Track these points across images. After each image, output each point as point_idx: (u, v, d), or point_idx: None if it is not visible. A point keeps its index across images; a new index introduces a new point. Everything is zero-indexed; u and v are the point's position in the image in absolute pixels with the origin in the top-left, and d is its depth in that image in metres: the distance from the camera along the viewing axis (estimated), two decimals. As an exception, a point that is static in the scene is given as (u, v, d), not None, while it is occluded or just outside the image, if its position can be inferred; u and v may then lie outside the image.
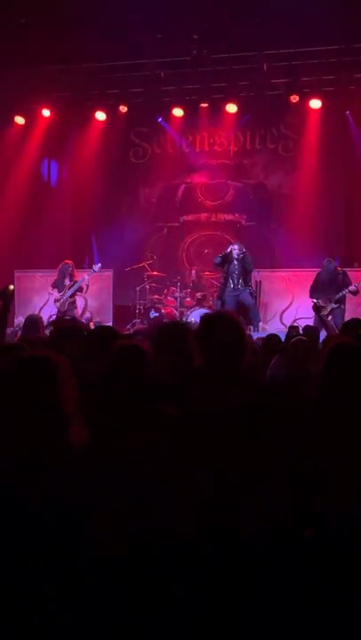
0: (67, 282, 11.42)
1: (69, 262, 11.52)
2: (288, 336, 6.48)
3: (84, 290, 11.63)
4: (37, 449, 2.54)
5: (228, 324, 2.92)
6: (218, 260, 10.90)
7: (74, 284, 11.38)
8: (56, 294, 11.49)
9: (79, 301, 11.86)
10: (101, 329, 5.15)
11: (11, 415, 2.60)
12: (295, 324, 9.09)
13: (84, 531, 2.54)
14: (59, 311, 11.32)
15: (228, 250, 10.87)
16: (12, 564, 2.49)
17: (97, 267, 11.67)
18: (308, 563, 2.76)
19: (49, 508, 2.48)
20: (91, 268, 11.81)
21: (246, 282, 10.81)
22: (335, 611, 2.73)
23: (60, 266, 11.53)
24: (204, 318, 3.07)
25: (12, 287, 4.61)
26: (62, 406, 2.60)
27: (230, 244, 11.26)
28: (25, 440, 2.56)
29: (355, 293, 10.28)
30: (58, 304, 11.40)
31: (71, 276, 11.45)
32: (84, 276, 11.45)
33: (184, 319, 10.94)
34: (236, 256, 10.68)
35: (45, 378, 2.63)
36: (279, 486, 2.68)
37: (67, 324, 5.55)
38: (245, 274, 10.79)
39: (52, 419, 2.58)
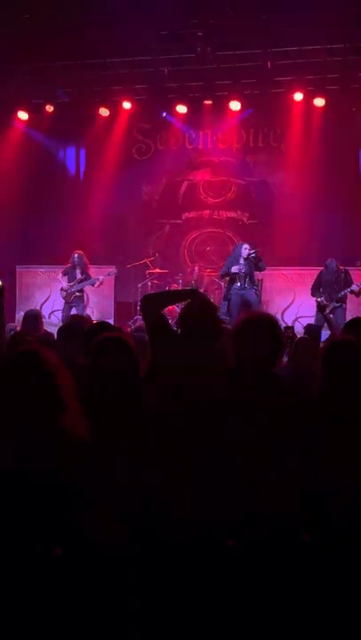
0: (78, 274, 11.21)
1: (82, 253, 11.29)
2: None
3: (96, 285, 11.49)
4: (32, 435, 2.55)
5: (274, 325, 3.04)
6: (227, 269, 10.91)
7: (85, 279, 11.18)
8: (64, 283, 11.24)
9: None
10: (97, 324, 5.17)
11: (6, 406, 2.61)
12: (291, 325, 9.09)
13: (83, 517, 2.54)
14: (64, 302, 11.18)
15: (235, 250, 10.90)
16: (10, 550, 2.50)
17: (113, 271, 11.66)
18: (308, 564, 2.76)
19: (47, 495, 2.49)
20: (99, 264, 11.72)
21: (253, 281, 10.82)
22: (335, 612, 2.73)
23: (75, 257, 11.22)
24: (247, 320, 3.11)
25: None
26: (55, 395, 2.61)
27: (240, 243, 11.24)
28: (20, 427, 2.57)
29: (358, 294, 10.29)
30: (64, 294, 11.19)
31: (83, 269, 11.23)
32: (98, 277, 11.28)
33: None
34: (244, 255, 10.67)
35: (35, 370, 2.63)
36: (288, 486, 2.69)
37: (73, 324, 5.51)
38: (252, 273, 10.78)
39: (46, 406, 2.60)
